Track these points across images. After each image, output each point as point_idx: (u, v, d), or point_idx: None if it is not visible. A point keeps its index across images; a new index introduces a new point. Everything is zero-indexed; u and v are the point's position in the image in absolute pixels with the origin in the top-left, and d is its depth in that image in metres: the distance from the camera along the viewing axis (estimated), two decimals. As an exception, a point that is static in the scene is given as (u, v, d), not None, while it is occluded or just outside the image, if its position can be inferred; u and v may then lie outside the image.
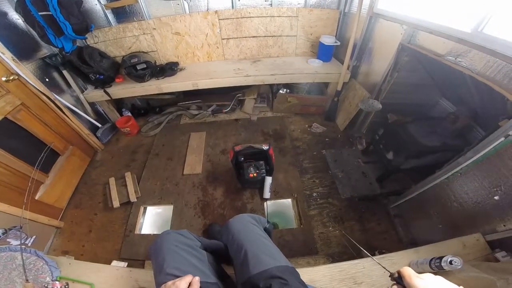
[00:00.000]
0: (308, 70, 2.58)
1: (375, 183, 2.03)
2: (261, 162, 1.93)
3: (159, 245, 0.85)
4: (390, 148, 1.90)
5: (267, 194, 1.94)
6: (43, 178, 1.89)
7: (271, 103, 3.03)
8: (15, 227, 1.37)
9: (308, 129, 2.70)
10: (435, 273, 0.55)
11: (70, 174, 2.13)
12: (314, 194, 2.00)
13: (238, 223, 0.95)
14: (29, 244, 1.50)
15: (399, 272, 0.58)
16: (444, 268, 0.85)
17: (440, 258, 0.87)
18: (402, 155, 1.76)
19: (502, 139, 1.03)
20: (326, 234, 1.75)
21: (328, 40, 2.60)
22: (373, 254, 0.82)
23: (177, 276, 0.70)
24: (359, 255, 1.54)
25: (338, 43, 2.63)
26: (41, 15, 1.76)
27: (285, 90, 2.80)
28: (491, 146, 1.08)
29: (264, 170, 1.89)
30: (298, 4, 2.61)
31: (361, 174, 2.13)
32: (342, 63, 2.43)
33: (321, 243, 1.70)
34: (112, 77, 2.49)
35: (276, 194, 2.01)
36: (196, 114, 2.90)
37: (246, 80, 2.52)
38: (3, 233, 1.30)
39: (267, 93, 3.16)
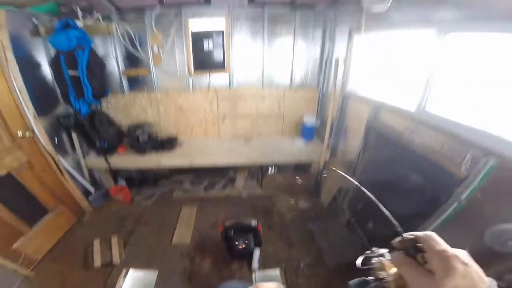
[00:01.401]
0: (293, 149, 2.80)
1: (360, 249, 2.06)
2: (250, 235, 2.00)
3: None
4: (369, 219, 2.04)
5: (255, 265, 1.93)
6: (26, 231, 1.82)
7: (260, 181, 3.10)
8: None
9: (295, 205, 2.78)
10: None
11: (53, 230, 2.06)
12: (302, 264, 2.00)
13: None
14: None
15: (416, 239, 0.38)
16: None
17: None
18: (380, 225, 1.88)
19: (456, 204, 1.23)
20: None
21: (310, 120, 2.85)
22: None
23: None
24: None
25: (319, 123, 2.88)
26: (69, 74, 1.93)
27: (273, 168, 3.00)
28: (449, 210, 1.26)
29: (252, 243, 1.97)
30: (285, 85, 2.91)
31: (346, 243, 2.19)
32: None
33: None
34: (116, 146, 2.58)
35: (265, 265, 1.99)
36: (189, 190, 2.98)
37: (238, 161, 2.66)
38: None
39: (257, 171, 3.22)
